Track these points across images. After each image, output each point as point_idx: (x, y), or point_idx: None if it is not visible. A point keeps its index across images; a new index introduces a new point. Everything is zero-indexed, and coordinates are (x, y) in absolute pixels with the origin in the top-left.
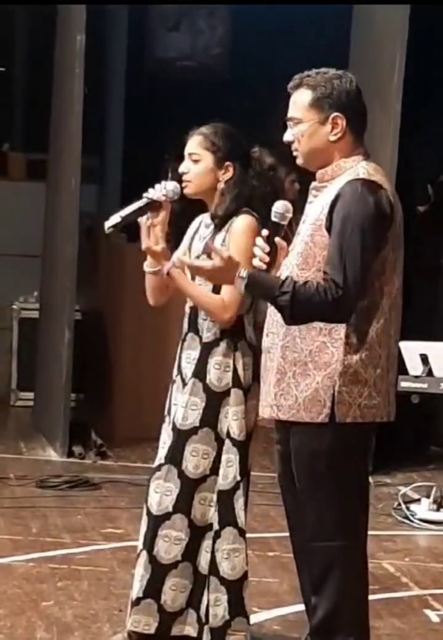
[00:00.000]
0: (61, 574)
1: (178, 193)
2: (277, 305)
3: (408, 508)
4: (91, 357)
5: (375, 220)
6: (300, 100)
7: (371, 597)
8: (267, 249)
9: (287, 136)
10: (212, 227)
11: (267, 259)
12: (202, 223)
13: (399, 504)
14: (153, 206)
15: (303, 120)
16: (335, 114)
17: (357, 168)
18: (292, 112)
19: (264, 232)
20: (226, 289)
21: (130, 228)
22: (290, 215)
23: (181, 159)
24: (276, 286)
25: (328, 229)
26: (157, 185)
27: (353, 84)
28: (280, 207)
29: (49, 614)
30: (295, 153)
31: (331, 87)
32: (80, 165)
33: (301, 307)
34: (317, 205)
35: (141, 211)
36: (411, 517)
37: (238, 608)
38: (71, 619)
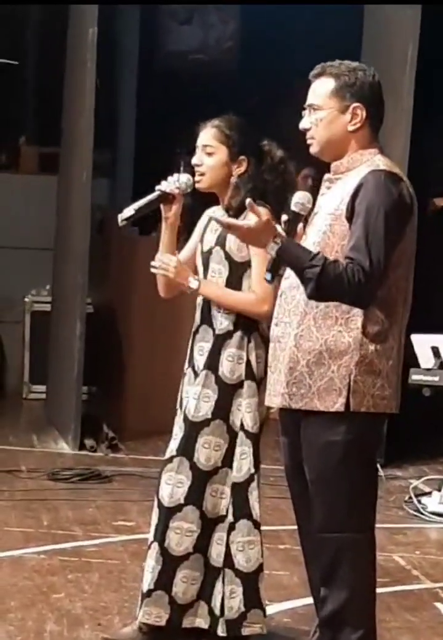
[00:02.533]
0: (71, 567)
1: (190, 185)
2: (304, 276)
3: (419, 501)
4: (102, 350)
5: (399, 210)
6: (321, 88)
7: (381, 590)
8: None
9: (304, 123)
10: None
11: None
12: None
13: (410, 497)
14: (166, 199)
15: (323, 107)
16: (356, 104)
17: (374, 160)
18: (312, 99)
19: (284, 217)
20: (256, 283)
21: (142, 221)
22: (310, 205)
23: (192, 152)
24: (306, 257)
25: (349, 218)
26: (170, 178)
27: (376, 78)
28: (301, 197)
29: (59, 606)
30: (309, 141)
31: (354, 77)
32: (92, 159)
33: (327, 284)
34: (333, 196)
35: (154, 203)
36: (422, 510)
37: (253, 600)
38: (81, 611)
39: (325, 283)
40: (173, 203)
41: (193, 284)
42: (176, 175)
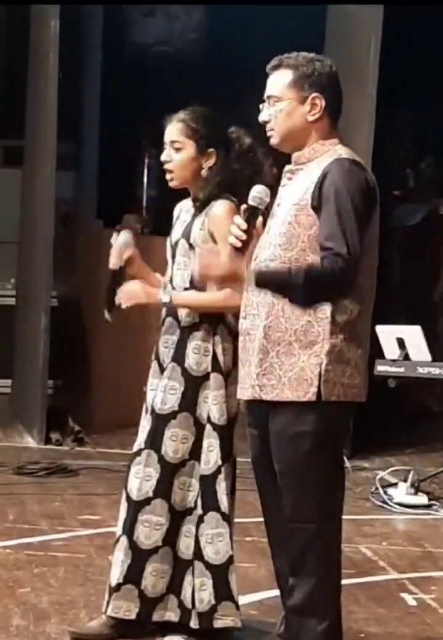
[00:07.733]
0: (37, 561)
1: (127, 244)
2: (292, 290)
3: (385, 492)
4: (68, 344)
5: (365, 195)
6: (279, 80)
7: (348, 581)
8: (244, 226)
9: (263, 116)
10: (192, 211)
11: (244, 236)
12: (182, 209)
13: (377, 488)
14: (122, 274)
15: (282, 98)
16: (315, 94)
17: (336, 150)
18: (270, 91)
19: (243, 206)
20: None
21: (107, 212)
22: (268, 200)
23: (157, 144)
24: (285, 272)
25: (315, 208)
26: (113, 246)
27: (334, 69)
28: (259, 191)
29: (25, 600)
30: (269, 133)
31: (312, 68)
32: (56, 152)
33: (316, 286)
34: (296, 187)
35: (115, 281)
36: (388, 501)
37: (224, 592)
38: (48, 606)
39: (314, 286)
40: (127, 264)
41: (165, 298)
42: (114, 235)
